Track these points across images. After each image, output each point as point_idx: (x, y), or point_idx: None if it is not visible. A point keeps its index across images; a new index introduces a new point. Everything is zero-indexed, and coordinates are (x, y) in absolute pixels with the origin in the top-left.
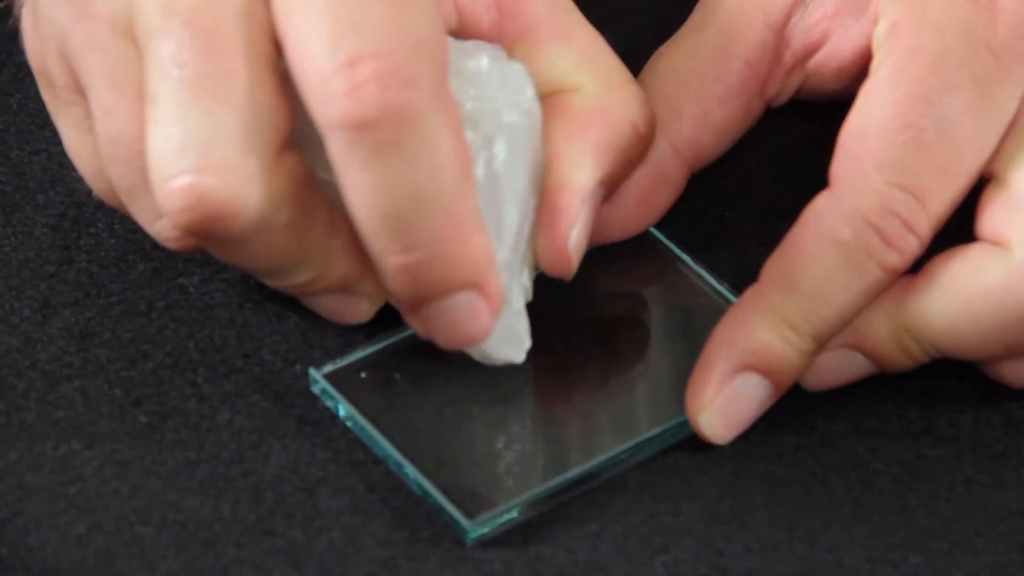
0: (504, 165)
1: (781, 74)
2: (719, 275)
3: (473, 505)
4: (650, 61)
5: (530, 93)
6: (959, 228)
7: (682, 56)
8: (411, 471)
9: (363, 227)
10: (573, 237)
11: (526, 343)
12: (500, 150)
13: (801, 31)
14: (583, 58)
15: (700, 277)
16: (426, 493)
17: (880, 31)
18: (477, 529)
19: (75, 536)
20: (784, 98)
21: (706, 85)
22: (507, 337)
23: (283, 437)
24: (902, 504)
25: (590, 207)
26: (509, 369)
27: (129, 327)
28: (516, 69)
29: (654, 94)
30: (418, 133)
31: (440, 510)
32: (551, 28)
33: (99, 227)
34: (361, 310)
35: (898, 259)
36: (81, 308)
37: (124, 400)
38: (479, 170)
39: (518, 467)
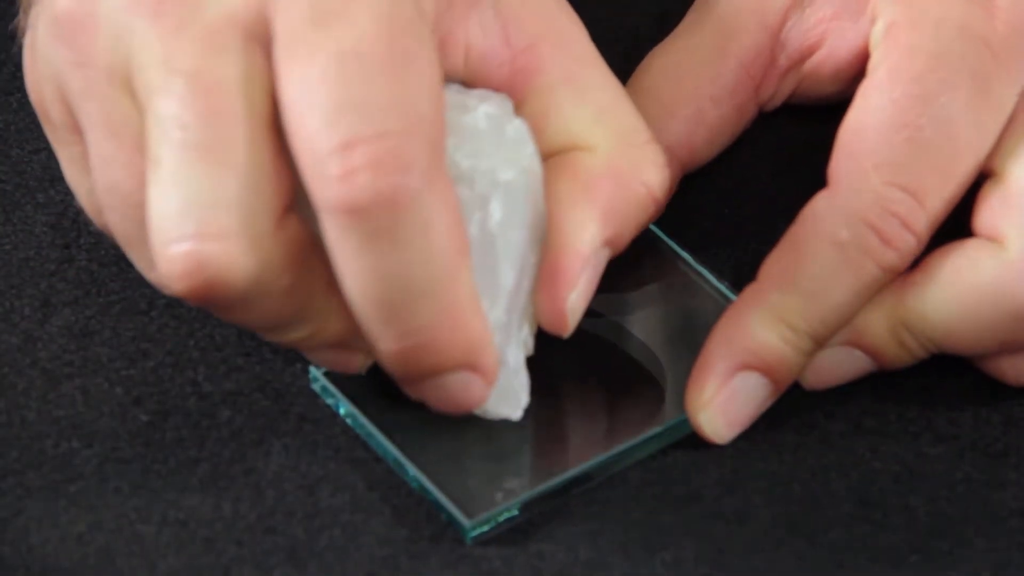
0: (499, 225)
1: (776, 77)
2: (719, 274)
3: (473, 503)
4: (645, 60)
5: (529, 149)
6: (956, 225)
7: (677, 55)
8: (411, 469)
9: (356, 309)
10: (571, 299)
11: (523, 401)
12: (496, 209)
13: (797, 34)
14: (599, 116)
15: (700, 276)
16: (426, 491)
17: (877, 30)
18: (477, 527)
19: (75, 534)
20: (778, 101)
21: (700, 85)
22: (504, 396)
23: (284, 435)
24: (902, 504)
25: (592, 269)
26: None
27: (129, 325)
28: (516, 124)
29: (648, 93)
30: (411, 220)
31: (440, 508)
32: (567, 84)
33: None
34: (357, 363)
35: (896, 258)
36: (81, 306)
37: (124, 398)
38: (473, 230)
39: (518, 465)
